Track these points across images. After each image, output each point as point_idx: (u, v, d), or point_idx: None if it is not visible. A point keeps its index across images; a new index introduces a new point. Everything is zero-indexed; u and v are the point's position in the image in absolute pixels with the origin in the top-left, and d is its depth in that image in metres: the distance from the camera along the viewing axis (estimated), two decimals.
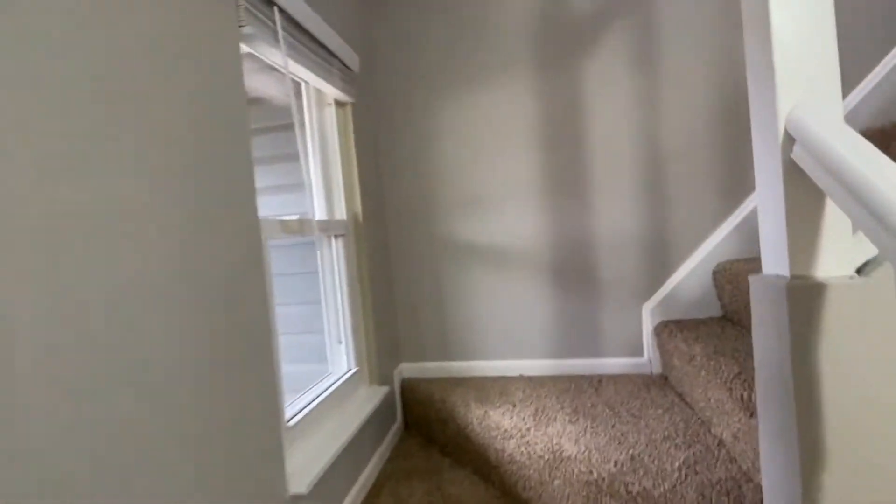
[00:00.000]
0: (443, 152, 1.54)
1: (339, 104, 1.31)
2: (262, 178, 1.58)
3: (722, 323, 1.31)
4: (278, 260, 1.49)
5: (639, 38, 1.40)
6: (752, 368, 0.93)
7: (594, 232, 1.45)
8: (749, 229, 1.35)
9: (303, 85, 1.24)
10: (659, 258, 1.42)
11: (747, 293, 1.14)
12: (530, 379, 1.47)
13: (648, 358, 1.43)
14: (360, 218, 1.34)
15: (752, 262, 1.26)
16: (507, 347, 1.53)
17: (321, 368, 1.36)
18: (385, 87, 1.56)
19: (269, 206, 1.51)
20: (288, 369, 1.42)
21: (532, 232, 1.49)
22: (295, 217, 1.02)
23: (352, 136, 1.33)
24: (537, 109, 1.47)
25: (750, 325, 1.24)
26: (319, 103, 1.28)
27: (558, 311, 1.49)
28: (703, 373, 1.03)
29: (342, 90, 1.24)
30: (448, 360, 1.57)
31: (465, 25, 1.50)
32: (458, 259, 1.54)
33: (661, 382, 1.34)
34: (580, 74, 1.44)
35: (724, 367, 0.97)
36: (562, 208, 1.47)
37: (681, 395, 1.23)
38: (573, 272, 1.47)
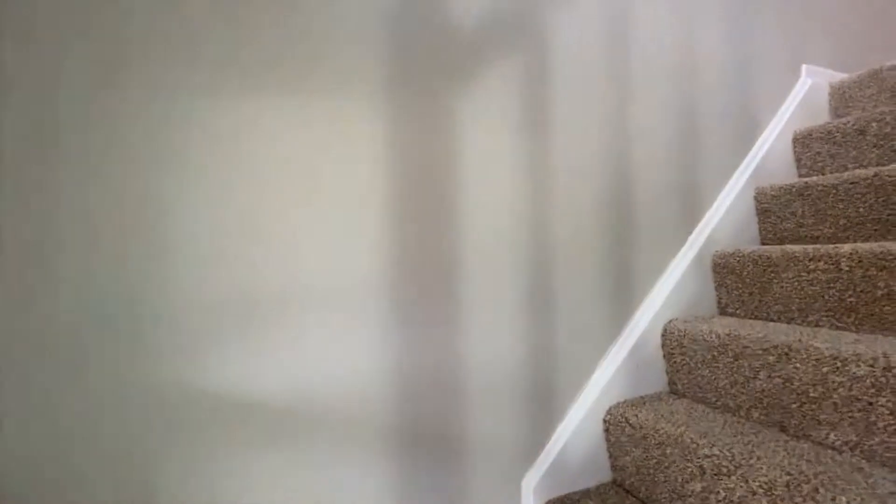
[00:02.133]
0: (192, 200, 0.72)
1: None
2: None
3: (625, 498, 0.92)
4: None
5: (529, 81, 0.99)
6: None
7: (461, 365, 0.89)
8: (640, 359, 1.05)
9: None
10: (543, 402, 0.97)
11: (666, 464, 0.81)
12: None
13: None
14: None
15: (652, 407, 0.93)
16: None
17: None
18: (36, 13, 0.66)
19: None
20: None
21: (360, 368, 0.81)
22: None
23: None
24: (383, 153, 0.85)
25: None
26: None
27: None
28: None
29: None
30: None
31: None
32: (199, 435, 0.71)
33: None
34: (453, 114, 0.91)
35: None
36: (413, 325, 0.86)
37: None
38: (426, 436, 0.86)
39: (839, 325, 0.92)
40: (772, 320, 1.04)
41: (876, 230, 1.01)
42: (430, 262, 0.87)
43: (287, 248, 0.77)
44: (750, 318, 1.08)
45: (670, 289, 1.11)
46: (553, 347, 0.98)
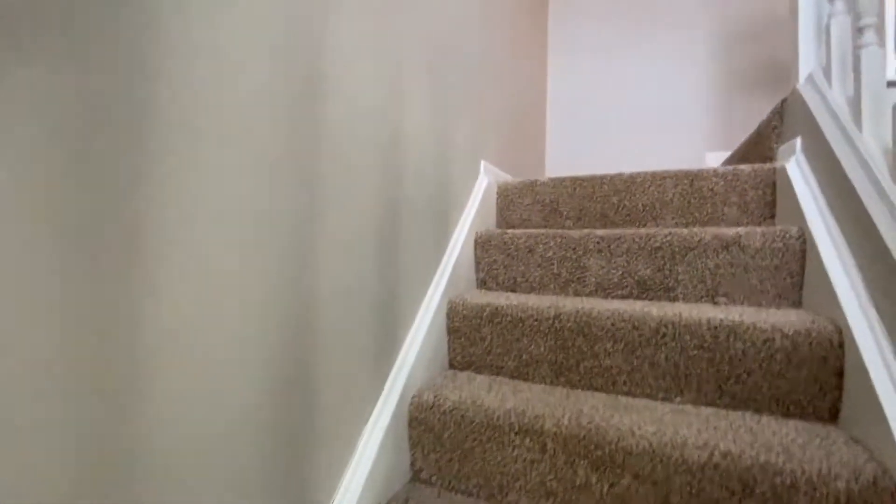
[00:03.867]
0: None
1: None
2: None
3: None
4: None
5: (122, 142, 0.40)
6: None
7: None
8: None
9: None
10: None
11: None
12: None
13: None
14: None
15: None
16: None
17: None
18: None
19: None
20: None
21: None
22: None
23: None
24: None
25: None
26: None
27: None
28: None
29: None
30: None
31: None
32: None
33: None
34: None
35: None
36: None
37: None
38: None
39: None
40: (471, 495, 0.85)
41: (552, 370, 0.98)
42: None
43: None
44: (448, 491, 0.87)
45: (365, 476, 0.75)
46: None
